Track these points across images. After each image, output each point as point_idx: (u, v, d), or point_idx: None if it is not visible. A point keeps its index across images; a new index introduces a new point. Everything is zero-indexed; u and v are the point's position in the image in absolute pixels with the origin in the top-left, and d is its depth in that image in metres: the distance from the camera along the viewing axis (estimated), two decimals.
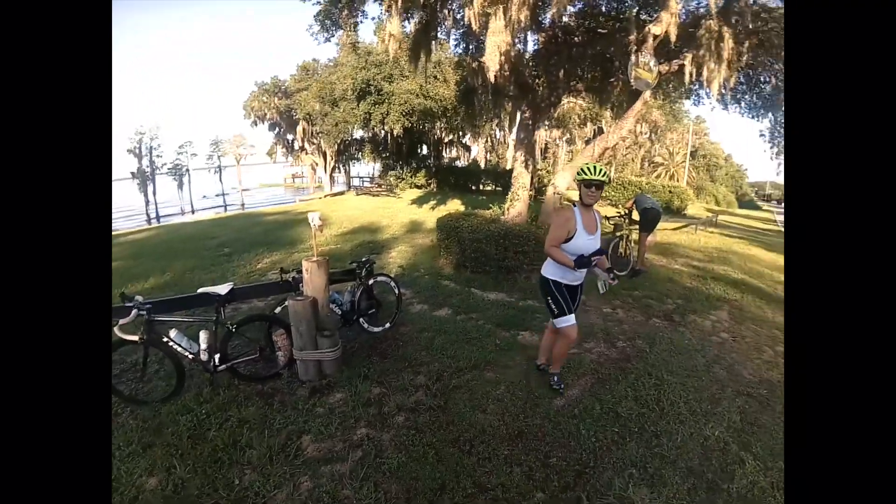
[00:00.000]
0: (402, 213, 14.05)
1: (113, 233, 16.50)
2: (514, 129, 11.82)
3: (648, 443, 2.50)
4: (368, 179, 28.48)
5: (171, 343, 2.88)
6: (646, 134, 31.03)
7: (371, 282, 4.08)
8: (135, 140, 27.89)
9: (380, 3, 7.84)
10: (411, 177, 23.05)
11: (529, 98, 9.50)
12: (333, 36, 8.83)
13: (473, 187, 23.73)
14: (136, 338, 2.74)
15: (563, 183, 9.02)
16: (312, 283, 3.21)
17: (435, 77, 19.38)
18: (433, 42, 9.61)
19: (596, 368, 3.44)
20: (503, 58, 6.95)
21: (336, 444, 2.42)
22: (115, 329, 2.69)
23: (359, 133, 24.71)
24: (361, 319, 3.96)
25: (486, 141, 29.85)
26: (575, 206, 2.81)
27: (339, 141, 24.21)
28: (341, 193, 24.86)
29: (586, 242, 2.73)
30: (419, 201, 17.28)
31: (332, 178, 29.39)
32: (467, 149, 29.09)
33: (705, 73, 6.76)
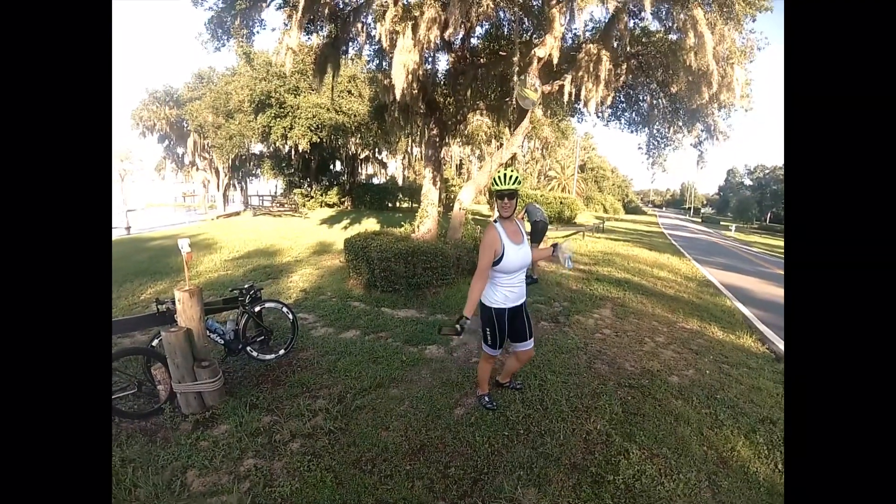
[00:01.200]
0: (308, 234, 13.40)
1: None
2: (424, 147, 12.13)
3: (534, 443, 2.62)
4: (269, 198, 26.65)
5: None
6: (538, 150, 34.17)
7: (258, 309, 3.84)
8: None
9: (282, 12, 7.52)
10: (322, 195, 22.11)
11: (437, 116, 9.85)
12: (225, 45, 8.19)
13: (390, 205, 23.49)
14: None
15: (467, 198, 9.43)
16: (186, 313, 2.91)
17: (349, 92, 18.95)
18: (342, 57, 9.49)
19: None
20: (411, 76, 7.10)
21: (222, 478, 2.22)
22: None
23: (257, 148, 23.37)
24: (249, 348, 3.65)
25: (404, 157, 30.19)
26: (496, 222, 2.68)
27: (233, 156, 22.55)
28: (237, 214, 23.06)
29: (517, 254, 2.59)
30: (330, 221, 16.65)
31: (225, 196, 27.40)
32: (384, 165, 28.87)
33: (584, 92, 7.57)
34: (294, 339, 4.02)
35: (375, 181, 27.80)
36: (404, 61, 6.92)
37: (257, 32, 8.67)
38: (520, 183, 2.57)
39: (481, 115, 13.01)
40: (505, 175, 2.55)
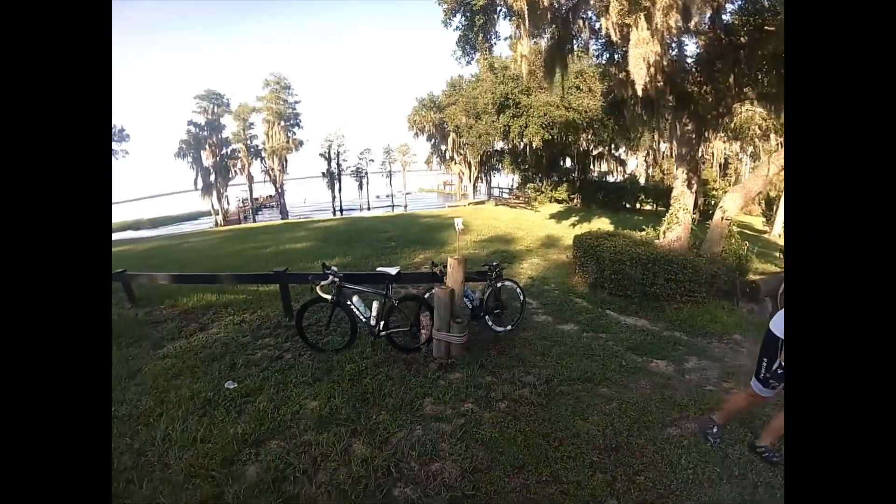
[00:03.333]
0: (539, 226, 14.18)
1: (306, 221, 21.42)
2: (675, 144, 10.74)
3: (746, 488, 2.32)
4: (507, 190, 29.21)
5: (352, 307, 3.92)
6: None
7: (499, 285, 4.59)
8: (325, 146, 35.59)
9: (510, 22, 8.17)
10: (551, 190, 22.58)
11: (691, 109, 8.60)
12: (473, 59, 9.72)
13: (628, 205, 21.78)
14: (329, 297, 3.88)
15: (732, 206, 7.88)
16: (453, 276, 3.91)
17: (578, 88, 18.72)
18: (569, 56, 9.49)
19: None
20: (653, 69, 6.55)
21: (447, 410, 3.02)
22: (317, 289, 3.88)
23: (500, 145, 25.58)
24: (487, 317, 4.49)
25: (647, 154, 27.26)
26: None
27: (481, 152, 25.80)
28: (482, 202, 26.36)
29: None
30: (558, 216, 17.02)
31: (474, 187, 31.35)
32: (621, 163, 26.93)
33: None
34: (521, 317, 4.70)
35: (611, 179, 26.31)
36: (643, 54, 6.39)
37: (495, 44, 9.79)
38: None
39: (752, 104, 10.29)
40: None
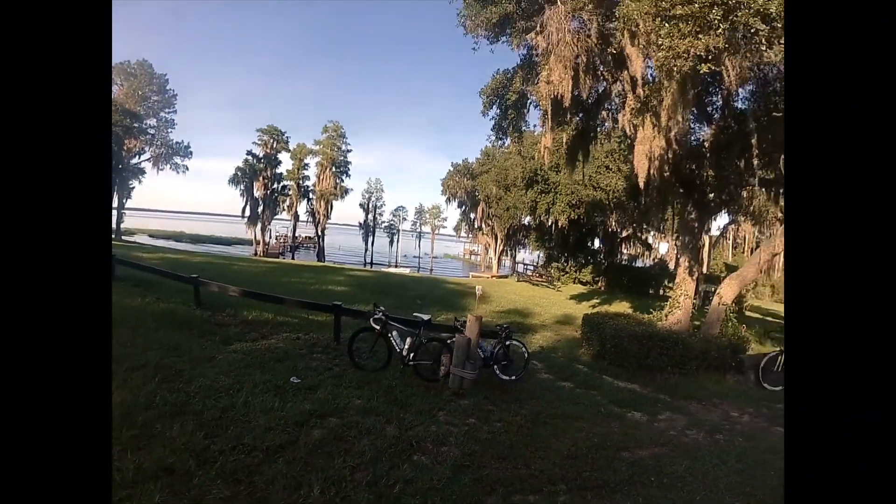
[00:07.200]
0: (557, 305, 15.05)
1: (344, 267, 23.16)
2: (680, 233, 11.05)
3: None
4: (532, 267, 29.56)
5: (392, 339, 5.07)
6: None
7: (508, 343, 5.64)
8: (365, 196, 38.42)
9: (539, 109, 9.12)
10: (576, 272, 22.57)
11: (695, 197, 9.38)
12: (505, 143, 11.22)
13: (652, 291, 21.08)
14: (377, 327, 5.04)
15: (728, 292, 8.55)
16: (470, 329, 5.03)
17: (607, 168, 18.37)
18: (591, 143, 10.48)
19: None
20: (657, 161, 7.60)
21: (455, 420, 3.97)
22: (371, 321, 5.06)
23: (527, 220, 25.83)
24: (496, 366, 5.46)
25: (676, 239, 27.23)
26: None
27: (508, 225, 26.47)
28: (505, 277, 26.86)
29: None
30: (579, 298, 17.57)
31: (499, 260, 31.96)
32: (648, 247, 26.40)
33: None
34: (524, 371, 5.63)
35: (640, 264, 25.90)
36: (645, 150, 7.48)
37: (525, 130, 11.23)
38: None
39: (756, 189, 10.99)
40: None
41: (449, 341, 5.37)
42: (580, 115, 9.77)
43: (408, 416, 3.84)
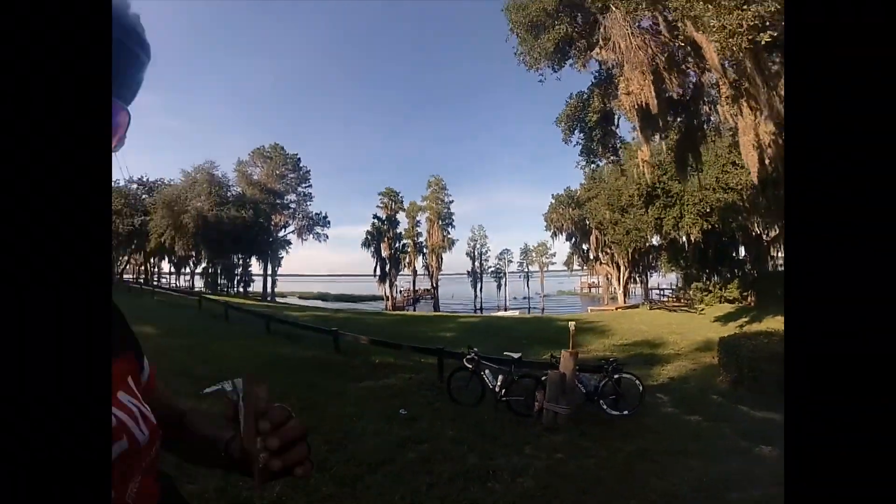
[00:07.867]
0: (698, 330, 13.17)
1: (455, 315, 24.46)
2: None
3: None
4: (669, 291, 25.54)
5: (484, 376, 5.36)
6: None
7: (616, 376, 5.35)
8: (470, 244, 39.71)
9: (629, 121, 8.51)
10: (720, 289, 19.08)
11: None
12: (597, 166, 10.14)
13: None
14: (470, 367, 5.38)
15: None
16: (565, 364, 5.00)
17: (734, 164, 15.49)
18: (702, 143, 9.35)
19: None
20: (770, 149, 6.67)
21: (539, 454, 3.93)
22: (465, 361, 5.48)
23: (654, 240, 22.72)
24: (602, 401, 5.19)
25: None
26: None
27: (631, 250, 23.48)
28: (635, 307, 24.09)
29: None
30: (725, 319, 15.00)
31: (626, 289, 28.65)
32: None
33: None
34: (639, 405, 5.22)
35: None
36: (751, 141, 6.64)
37: (619, 147, 9.82)
38: None
39: None
40: None
41: (543, 378, 5.37)
42: (682, 115, 8.97)
43: (492, 448, 4.03)
